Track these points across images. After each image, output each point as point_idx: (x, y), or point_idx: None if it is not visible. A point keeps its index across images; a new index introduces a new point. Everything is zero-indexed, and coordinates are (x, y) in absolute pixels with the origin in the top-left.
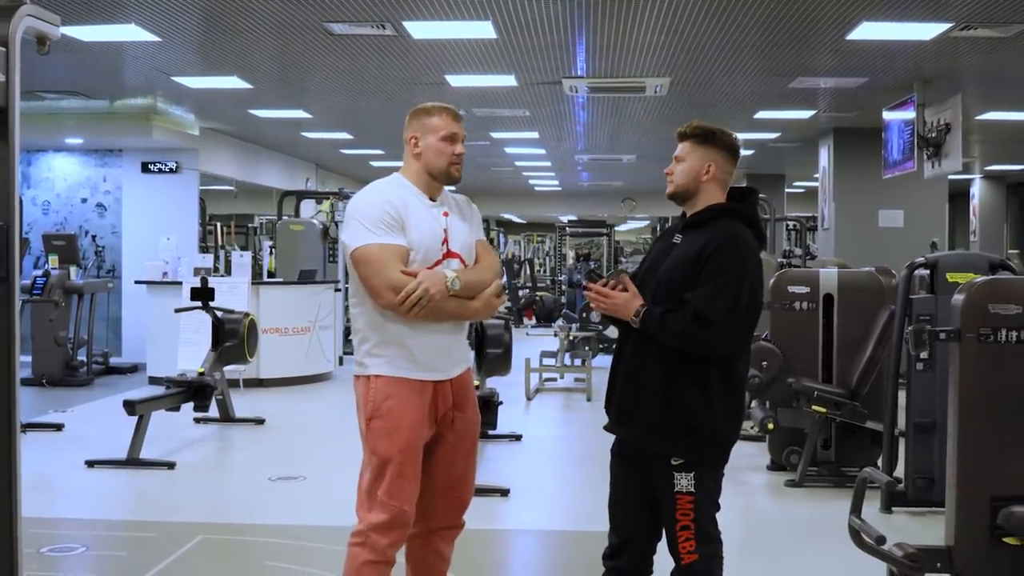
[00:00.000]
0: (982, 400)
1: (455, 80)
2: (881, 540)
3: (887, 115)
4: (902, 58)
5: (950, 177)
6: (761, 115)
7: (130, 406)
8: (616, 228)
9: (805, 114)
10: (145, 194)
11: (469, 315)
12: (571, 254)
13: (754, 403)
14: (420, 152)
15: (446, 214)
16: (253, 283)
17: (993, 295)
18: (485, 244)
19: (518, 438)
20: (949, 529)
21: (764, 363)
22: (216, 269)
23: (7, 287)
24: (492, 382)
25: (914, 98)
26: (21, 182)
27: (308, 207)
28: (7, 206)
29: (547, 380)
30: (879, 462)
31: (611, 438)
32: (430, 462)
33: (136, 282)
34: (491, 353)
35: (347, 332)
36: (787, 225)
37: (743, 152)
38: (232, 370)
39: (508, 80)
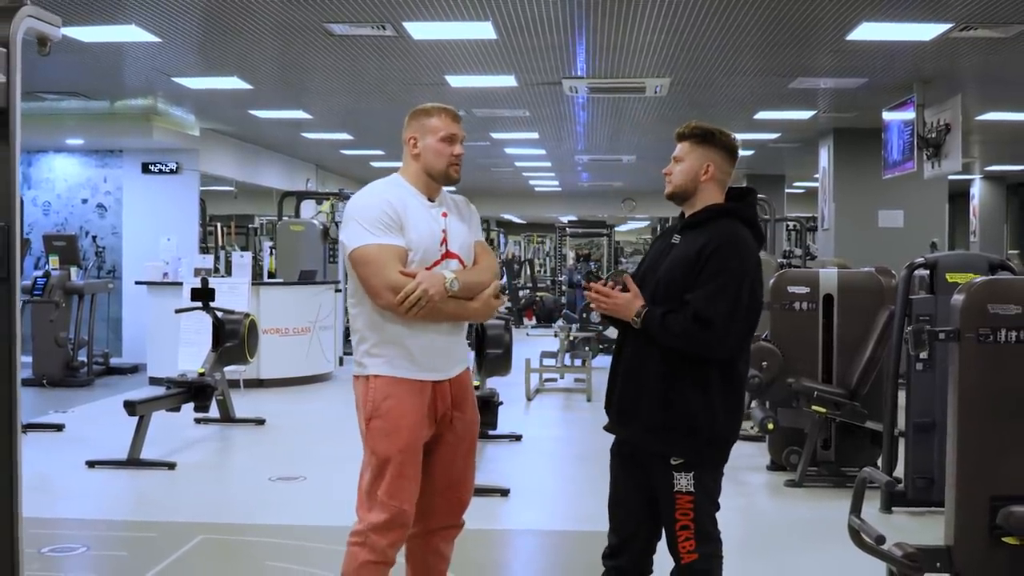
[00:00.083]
0: (981, 400)
1: (455, 80)
2: (881, 540)
3: (887, 115)
4: (902, 58)
5: (950, 177)
6: (761, 115)
7: (131, 406)
8: (616, 228)
9: (805, 114)
10: (145, 195)
11: (468, 316)
12: (571, 254)
13: (754, 403)
14: (419, 153)
15: (445, 215)
16: (253, 283)
17: (992, 295)
18: (484, 245)
19: (518, 438)
20: (949, 529)
21: (764, 363)
22: (216, 270)
23: (8, 288)
24: (492, 382)
25: (914, 98)
26: (22, 183)
27: (308, 208)
28: (8, 207)
29: (547, 380)
30: (879, 462)
31: (611, 438)
32: (430, 462)
33: (136, 283)
34: (491, 353)
35: (347, 332)
36: (787, 225)
37: (743, 152)
38: (232, 370)
39: (508, 80)
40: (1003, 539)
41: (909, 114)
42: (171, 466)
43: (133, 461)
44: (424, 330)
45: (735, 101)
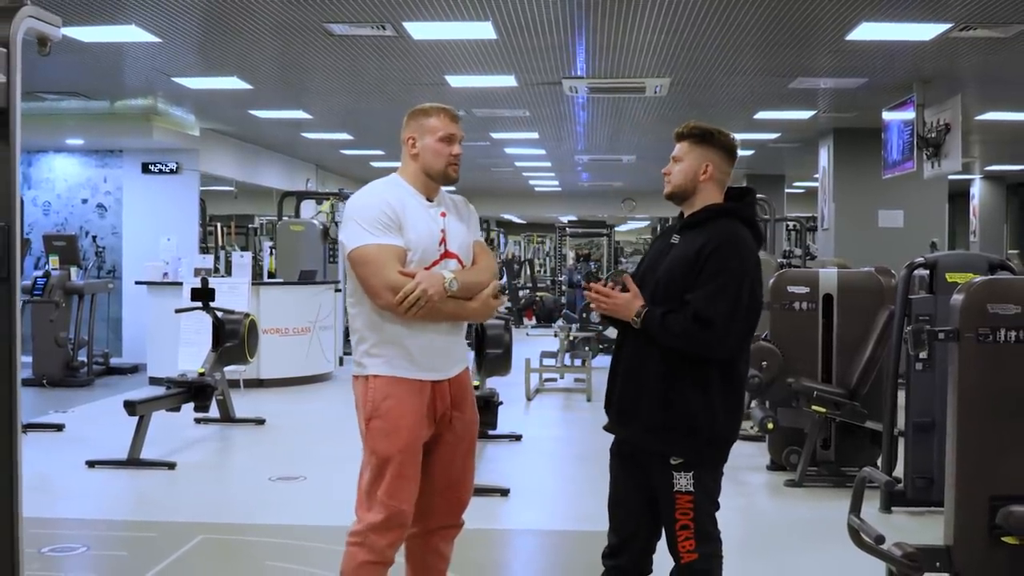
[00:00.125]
0: (981, 400)
1: (455, 80)
2: (880, 539)
3: (887, 115)
4: (902, 58)
5: (950, 177)
6: (761, 115)
7: (131, 406)
8: (616, 228)
9: (805, 114)
10: (145, 195)
11: (467, 316)
12: (571, 254)
13: (754, 403)
14: (418, 153)
15: (443, 215)
16: (253, 283)
17: (992, 295)
18: (482, 245)
19: (518, 438)
20: (948, 529)
21: (764, 363)
22: (216, 270)
23: (8, 288)
24: (492, 382)
25: (913, 98)
26: (22, 183)
27: (308, 208)
28: (8, 207)
29: (547, 380)
30: (878, 462)
31: (611, 438)
32: (429, 462)
33: (136, 283)
34: (491, 353)
35: (347, 332)
36: (787, 225)
37: (743, 152)
38: (232, 370)
39: (508, 80)
40: (1003, 539)
41: (909, 114)
42: (171, 466)
43: (133, 461)
44: (423, 330)
45: (735, 101)
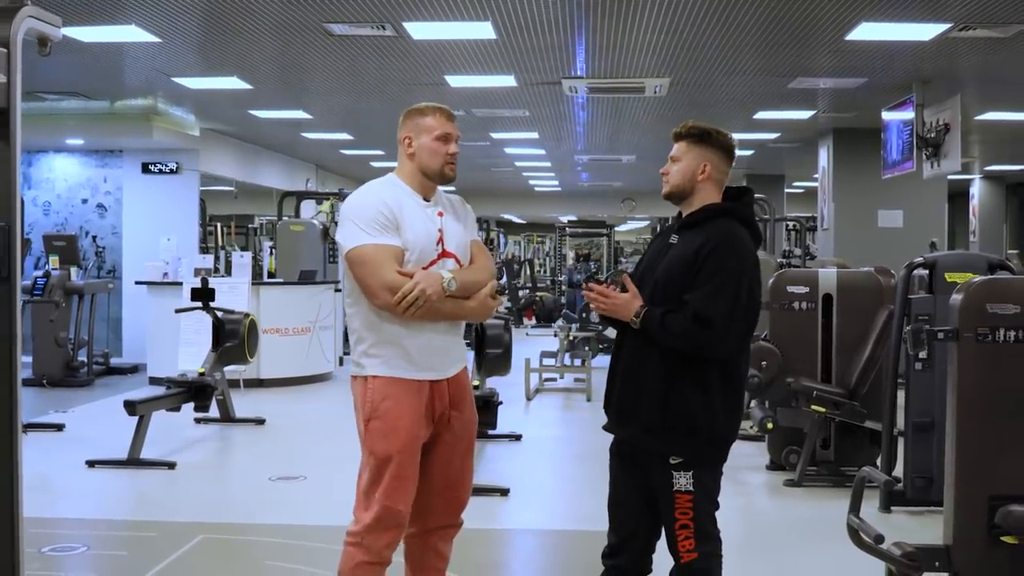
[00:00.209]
0: (980, 400)
1: (455, 80)
2: (880, 539)
3: (886, 115)
4: (901, 58)
5: (949, 177)
6: (760, 115)
7: (131, 406)
8: (616, 228)
9: (804, 114)
10: (145, 195)
11: (465, 315)
12: (571, 254)
13: (753, 403)
14: (414, 152)
15: (441, 214)
16: (253, 283)
17: (991, 295)
18: (479, 245)
19: (518, 438)
20: (947, 528)
21: (763, 363)
22: (216, 270)
23: (9, 287)
24: (492, 382)
25: (913, 98)
26: (22, 183)
27: (308, 208)
28: (8, 207)
29: (547, 380)
30: (878, 461)
31: (610, 438)
32: (428, 462)
33: (136, 283)
34: (491, 353)
35: (347, 332)
36: (787, 225)
37: (743, 152)
38: (232, 370)
39: (508, 80)
40: (1002, 538)
41: (908, 114)
42: (171, 466)
43: (133, 461)
44: (421, 329)
45: (735, 101)
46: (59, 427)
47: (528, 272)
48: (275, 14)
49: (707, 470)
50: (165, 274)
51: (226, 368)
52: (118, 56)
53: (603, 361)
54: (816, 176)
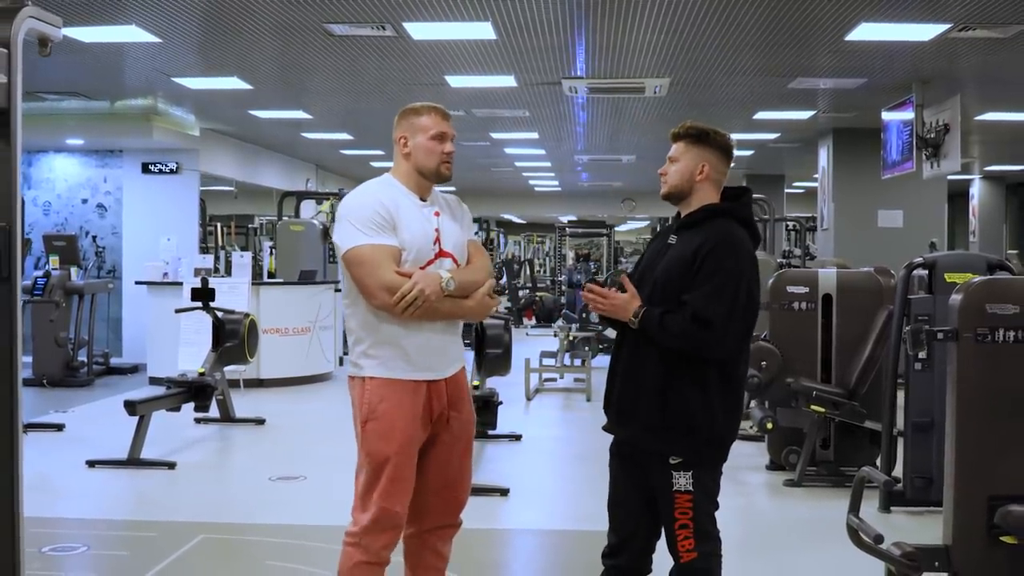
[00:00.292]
0: (980, 400)
1: (455, 81)
2: (879, 539)
3: (886, 116)
4: (901, 59)
5: (949, 177)
6: (760, 115)
7: (131, 406)
8: (616, 228)
9: (804, 114)
10: (145, 195)
11: (463, 315)
12: (571, 254)
13: (753, 403)
14: (410, 152)
15: (437, 214)
16: (253, 283)
17: (991, 295)
18: (476, 244)
19: (518, 438)
20: (947, 528)
21: (763, 363)
22: (216, 270)
23: (9, 288)
24: (492, 382)
25: (913, 99)
26: (22, 183)
27: (308, 208)
28: (9, 207)
29: (547, 380)
30: (878, 462)
31: (610, 438)
32: (426, 462)
33: (136, 283)
34: (491, 353)
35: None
36: (786, 225)
37: (743, 152)
38: (232, 370)
39: (508, 81)
40: (1001, 538)
41: (908, 114)
42: (171, 466)
43: (133, 461)
44: (420, 329)
45: (735, 101)
46: (59, 427)
47: (528, 272)
48: (275, 14)
49: (706, 470)
50: (165, 274)
51: (226, 368)
52: (118, 56)
53: (603, 361)
54: (816, 176)
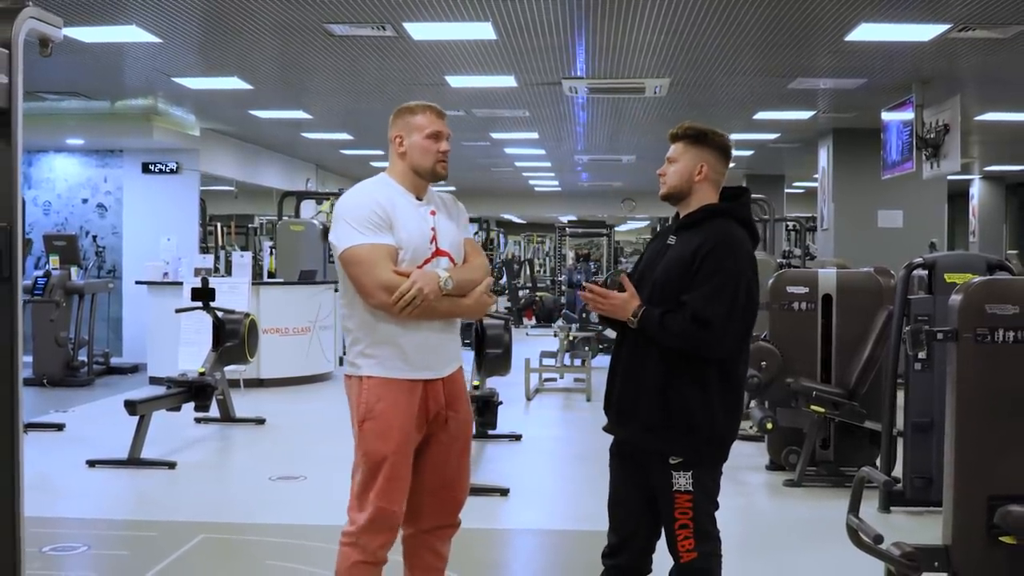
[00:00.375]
0: (979, 400)
1: (455, 81)
2: (879, 539)
3: (886, 116)
4: (901, 59)
5: (949, 178)
6: (760, 116)
7: (131, 406)
8: (616, 228)
9: (804, 115)
10: (146, 194)
11: (461, 313)
12: (571, 254)
13: (753, 403)
14: (405, 151)
15: (433, 213)
16: (253, 283)
17: (990, 295)
18: (473, 243)
19: (518, 438)
20: (947, 528)
21: (763, 363)
22: (216, 269)
23: (10, 287)
24: (492, 382)
25: (913, 99)
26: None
27: (308, 207)
28: (9, 207)
29: (547, 380)
30: (877, 462)
31: (610, 438)
32: (423, 462)
33: (137, 282)
34: (491, 353)
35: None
36: (786, 226)
37: (743, 153)
38: (232, 370)
39: (508, 81)
40: (1001, 538)
41: (908, 114)
42: (171, 465)
43: (133, 460)
44: (417, 328)
45: (735, 101)
46: (59, 427)
47: (528, 272)
48: (275, 14)
49: (706, 470)
50: (165, 274)
51: (226, 368)
52: (118, 56)
53: (603, 361)
54: (816, 176)
